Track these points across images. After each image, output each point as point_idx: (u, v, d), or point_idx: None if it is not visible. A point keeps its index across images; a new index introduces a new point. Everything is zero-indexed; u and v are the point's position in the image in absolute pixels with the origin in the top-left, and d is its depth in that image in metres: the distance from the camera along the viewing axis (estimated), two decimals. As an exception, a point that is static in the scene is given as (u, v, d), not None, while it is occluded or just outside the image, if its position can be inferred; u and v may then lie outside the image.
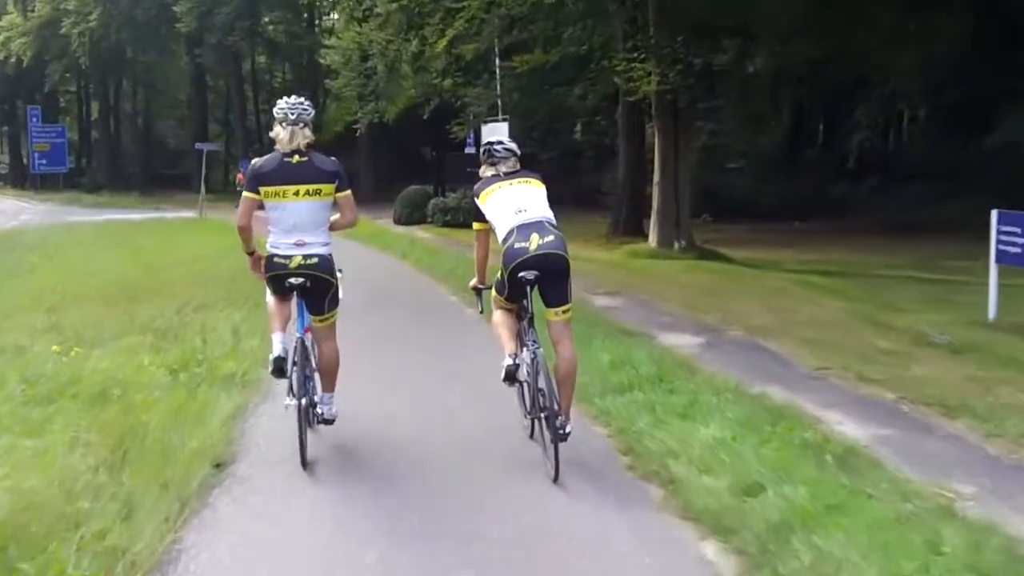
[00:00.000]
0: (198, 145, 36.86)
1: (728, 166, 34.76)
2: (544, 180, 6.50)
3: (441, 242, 25.16)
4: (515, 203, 6.16)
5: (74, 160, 63.44)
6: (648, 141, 27.06)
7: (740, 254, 21.46)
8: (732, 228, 29.28)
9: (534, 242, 5.95)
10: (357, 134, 39.38)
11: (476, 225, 6.51)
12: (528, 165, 6.68)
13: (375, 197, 43.45)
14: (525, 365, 6.13)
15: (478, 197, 6.40)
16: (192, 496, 5.59)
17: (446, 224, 30.22)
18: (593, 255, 21.18)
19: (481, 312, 7.01)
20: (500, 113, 33.00)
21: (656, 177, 21.12)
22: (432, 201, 31.10)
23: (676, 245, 20.53)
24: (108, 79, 59.53)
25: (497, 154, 6.47)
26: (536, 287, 6.05)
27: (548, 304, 6.12)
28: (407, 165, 48.62)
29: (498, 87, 33.44)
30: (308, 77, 53.96)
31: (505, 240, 6.06)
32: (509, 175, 6.36)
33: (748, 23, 20.39)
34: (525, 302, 6.18)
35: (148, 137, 63.49)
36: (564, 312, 6.14)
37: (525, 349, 6.16)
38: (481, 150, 6.66)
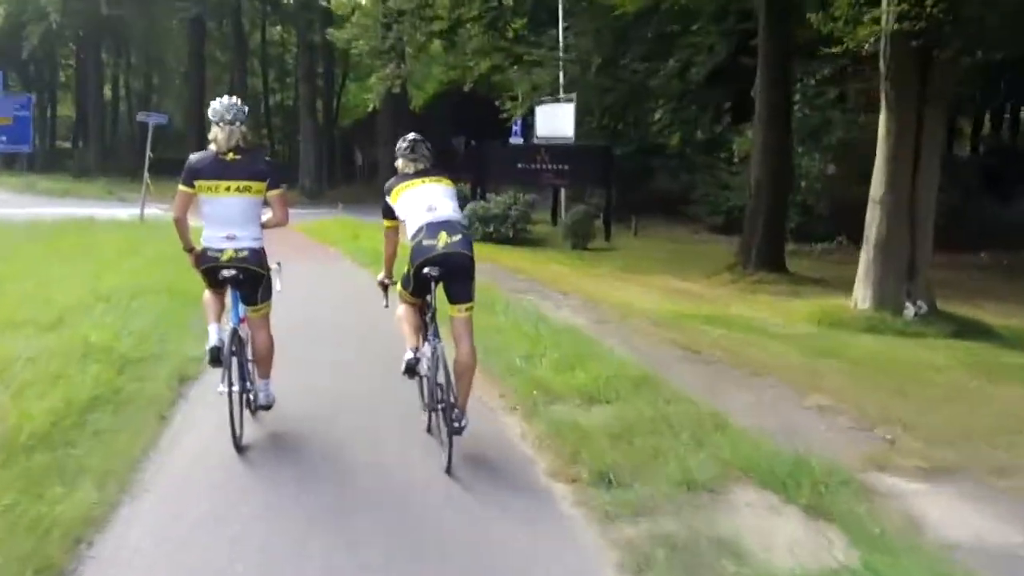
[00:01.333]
0: (141, 116, 27.10)
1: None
2: (454, 180, 6.45)
3: (490, 274, 16.19)
4: (426, 201, 6.04)
5: (72, 141, 57.37)
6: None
7: (987, 316, 12.42)
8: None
9: (442, 240, 5.84)
10: (370, 108, 30.00)
11: (386, 222, 6.35)
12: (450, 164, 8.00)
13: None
14: (426, 359, 6.02)
15: (389, 195, 6.24)
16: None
17: (488, 238, 21.23)
18: (755, 317, 12.20)
19: (386, 307, 6.63)
20: (562, 91, 23.82)
21: (878, 188, 11.96)
22: (470, 206, 21.97)
23: (912, 310, 11.31)
24: (103, 50, 50.40)
25: (409, 152, 6.34)
26: (441, 284, 5.98)
27: (452, 301, 6.02)
28: (440, 158, 39.61)
29: (560, 51, 24.34)
30: (324, 51, 44.93)
31: (414, 236, 5.93)
32: (421, 173, 6.24)
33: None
34: (429, 298, 6.12)
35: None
36: (467, 309, 6.04)
37: (427, 344, 6.05)
38: (398, 145, 6.41)
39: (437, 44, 49.78)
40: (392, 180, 6.31)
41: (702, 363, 9.07)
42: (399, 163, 6.37)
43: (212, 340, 6.05)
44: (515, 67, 25.55)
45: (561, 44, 24.13)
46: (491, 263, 17.83)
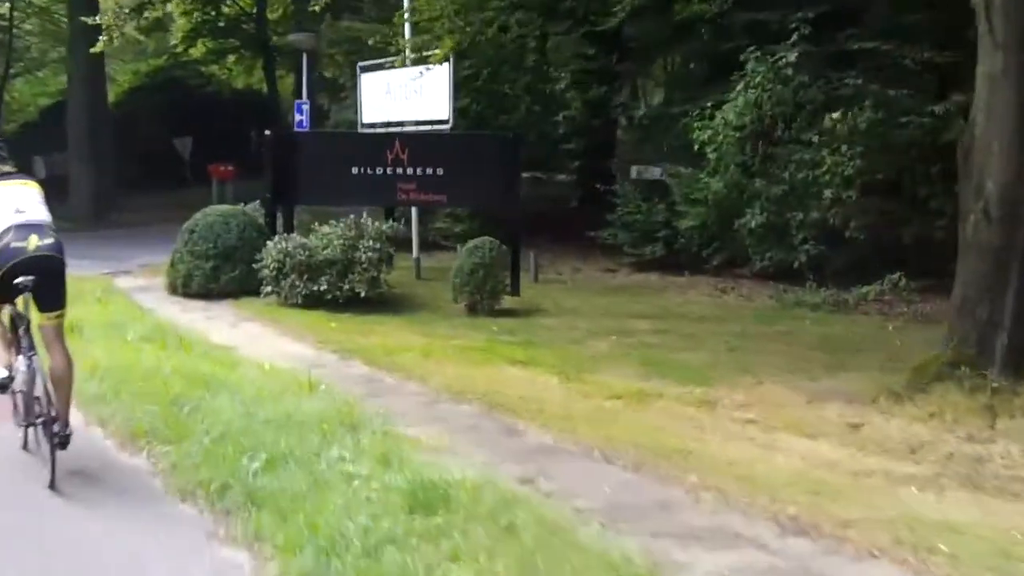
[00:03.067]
0: None
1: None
2: (41, 183, 6.00)
3: (433, 417, 6.64)
4: (14, 203, 5.58)
5: None
6: None
7: None
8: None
9: (32, 243, 5.41)
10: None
11: None
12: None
13: (100, 224, 23.18)
14: (21, 374, 5.51)
15: None
16: None
17: (318, 302, 11.71)
18: None
19: None
20: (408, 49, 14.19)
21: None
22: (275, 245, 11.94)
23: None
24: None
25: None
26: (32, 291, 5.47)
27: (41, 308, 5.56)
28: (158, 167, 28.92)
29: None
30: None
31: (1, 238, 5.41)
32: (6, 176, 5.82)
33: None
34: (21, 308, 5.62)
35: None
36: (57, 316, 5.61)
37: (21, 357, 5.54)
38: None
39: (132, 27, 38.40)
40: None
41: None
42: None
43: None
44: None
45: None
46: (382, 371, 8.48)
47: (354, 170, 12.87)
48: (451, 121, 12.98)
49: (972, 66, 14.14)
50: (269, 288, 11.97)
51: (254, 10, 36.24)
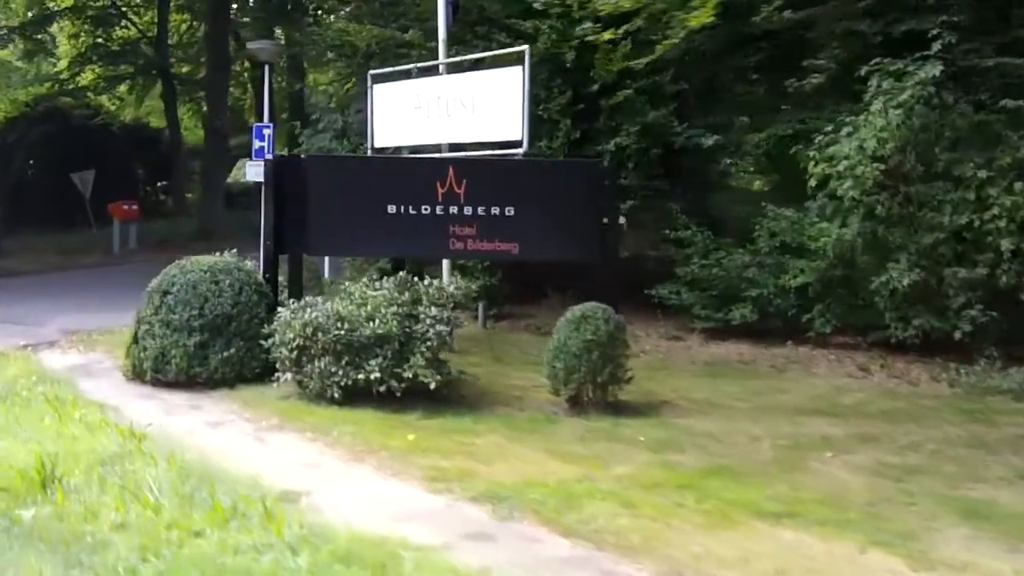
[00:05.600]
0: None
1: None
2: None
3: None
4: None
5: None
6: None
7: None
8: None
9: None
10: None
11: None
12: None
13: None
14: None
15: None
16: None
17: (357, 395, 8.04)
18: None
19: None
20: (443, 52, 10.56)
21: None
22: (292, 314, 8.08)
23: None
24: None
25: None
26: None
27: None
28: (44, 206, 24.48)
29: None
30: None
31: None
32: None
33: None
34: None
35: None
36: None
37: None
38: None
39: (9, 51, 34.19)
40: None
41: None
42: None
43: None
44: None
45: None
46: (588, 546, 5.71)
47: (390, 208, 9.14)
48: (525, 143, 9.36)
49: None
50: (288, 375, 8.15)
51: (152, 32, 31.69)
